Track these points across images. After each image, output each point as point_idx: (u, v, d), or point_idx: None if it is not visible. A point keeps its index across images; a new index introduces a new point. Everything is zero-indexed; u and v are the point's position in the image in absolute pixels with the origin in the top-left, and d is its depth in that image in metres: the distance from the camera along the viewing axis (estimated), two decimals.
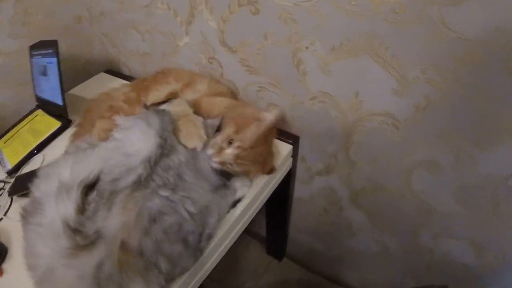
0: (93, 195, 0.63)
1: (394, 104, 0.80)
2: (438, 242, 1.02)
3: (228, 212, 0.78)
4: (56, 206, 0.59)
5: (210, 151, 0.76)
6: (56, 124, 1.12)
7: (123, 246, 0.56)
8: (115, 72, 1.41)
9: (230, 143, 0.77)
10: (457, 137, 0.77)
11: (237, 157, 0.76)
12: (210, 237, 0.70)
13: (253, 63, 0.93)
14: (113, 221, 0.59)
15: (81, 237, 0.56)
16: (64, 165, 0.67)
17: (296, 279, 1.53)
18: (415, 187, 0.92)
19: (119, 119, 0.81)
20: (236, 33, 0.91)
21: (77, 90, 1.30)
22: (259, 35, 0.87)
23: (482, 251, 0.97)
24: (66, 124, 1.12)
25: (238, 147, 0.76)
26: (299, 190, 1.19)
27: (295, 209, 1.27)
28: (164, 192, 0.65)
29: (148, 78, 0.99)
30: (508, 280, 0.99)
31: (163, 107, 0.88)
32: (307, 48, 0.82)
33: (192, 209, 0.65)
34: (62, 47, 1.10)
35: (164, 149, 0.70)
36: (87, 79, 1.36)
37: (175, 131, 0.75)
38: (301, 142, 1.01)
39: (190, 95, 0.90)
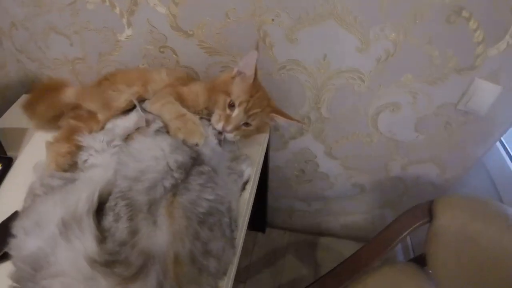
0: (108, 219, 0.54)
1: (359, 60, 0.86)
2: (406, 170, 1.15)
3: (240, 195, 0.76)
4: (70, 246, 0.50)
5: (219, 125, 0.74)
6: None
7: (177, 259, 0.52)
8: None
9: (230, 106, 0.75)
10: (412, 79, 0.88)
11: (247, 111, 0.74)
12: (236, 225, 0.69)
13: (214, 43, 0.89)
14: (162, 235, 0.53)
15: (122, 267, 0.49)
16: (48, 208, 0.57)
17: (284, 244, 1.57)
18: (382, 128, 1.02)
19: (86, 140, 0.72)
20: (191, 15, 0.85)
21: (3, 123, 1.08)
22: (218, 14, 0.83)
23: (443, 167, 1.11)
24: (7, 164, 0.92)
25: (240, 102, 0.74)
26: (275, 159, 1.20)
27: (271, 178, 1.29)
28: (209, 195, 0.60)
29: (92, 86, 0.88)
30: (470, 185, 1.16)
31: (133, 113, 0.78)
32: (273, 20, 0.81)
33: (225, 205, 0.63)
34: None
35: (197, 160, 0.65)
36: (9, 107, 1.12)
37: (173, 131, 0.70)
38: None
39: (155, 89, 0.82)
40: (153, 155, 0.62)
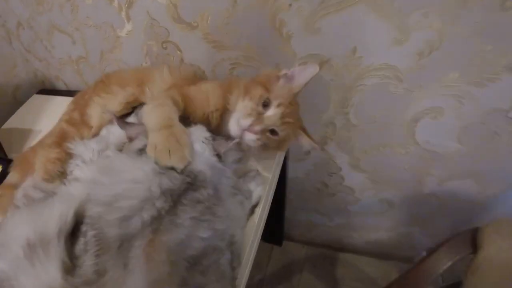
0: (79, 245, 0.43)
1: (396, 55, 0.69)
2: (442, 186, 0.97)
3: (247, 221, 0.60)
4: (33, 272, 0.40)
5: (246, 121, 0.59)
6: None
7: None
8: (49, 90, 1.13)
9: (265, 105, 0.60)
10: (459, 79, 0.71)
11: (283, 116, 0.60)
12: (240, 260, 0.53)
13: (221, 36, 0.74)
14: (134, 282, 0.40)
15: None
16: (15, 224, 0.46)
17: (301, 258, 1.41)
18: (420, 137, 0.84)
19: (77, 147, 0.61)
20: (193, 3, 0.71)
21: (10, 123, 1.03)
22: (225, 1, 0.67)
23: (484, 184, 0.93)
24: (7, 166, 0.85)
25: (279, 104, 0.60)
26: (294, 170, 1.04)
27: (289, 190, 1.12)
28: (204, 232, 0.46)
29: (88, 91, 0.75)
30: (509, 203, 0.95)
31: (130, 119, 0.65)
32: (290, 5, 0.65)
33: (226, 239, 0.49)
34: None
35: (192, 185, 0.50)
36: (19, 108, 1.08)
37: (148, 146, 0.53)
38: None
39: (155, 90, 0.68)
40: (132, 177, 0.48)
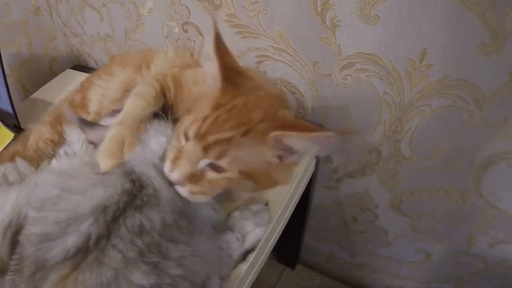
0: (17, 249, 0.33)
1: (481, 69, 0.43)
2: (494, 249, 0.70)
3: (234, 268, 0.39)
4: None
5: (165, 168, 0.34)
6: (9, 136, 0.77)
7: None
8: (83, 67, 1.01)
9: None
10: None
11: (201, 136, 0.33)
12: None
13: (248, 19, 0.51)
14: None
15: None
16: None
17: (314, 287, 1.13)
18: (485, 188, 0.57)
19: (71, 133, 0.48)
20: None
21: (39, 94, 0.94)
22: None
23: None
24: (20, 135, 0.77)
25: (192, 124, 0.34)
26: (319, 196, 0.78)
27: (312, 216, 0.87)
28: (142, 278, 0.28)
29: (97, 71, 0.62)
30: None
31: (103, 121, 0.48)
32: None
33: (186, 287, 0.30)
34: (23, 47, 0.86)
35: (135, 199, 0.32)
36: (51, 79, 0.99)
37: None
38: None
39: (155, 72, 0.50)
40: (68, 185, 0.34)
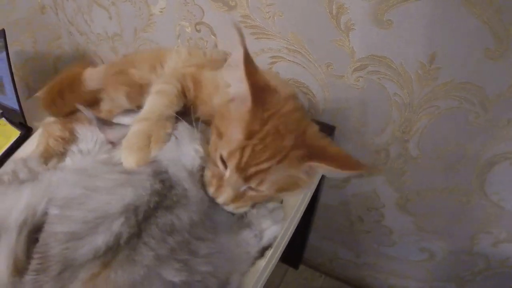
0: (39, 247, 0.33)
1: (486, 73, 0.46)
2: (497, 248, 0.73)
3: (253, 264, 0.40)
4: None
5: (209, 190, 0.39)
6: (15, 134, 0.79)
7: None
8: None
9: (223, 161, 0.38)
10: None
11: (242, 169, 0.37)
12: None
13: (262, 20, 0.54)
14: None
15: None
16: None
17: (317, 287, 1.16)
18: (489, 187, 0.60)
19: (82, 131, 0.49)
20: None
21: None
22: None
23: None
24: (25, 133, 0.78)
25: (230, 155, 0.37)
26: (327, 196, 0.81)
27: (318, 216, 0.89)
28: (174, 276, 0.30)
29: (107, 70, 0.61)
30: None
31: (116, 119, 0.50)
32: None
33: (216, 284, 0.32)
34: (27, 45, 0.87)
35: (165, 199, 0.34)
36: None
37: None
38: (336, 133, 0.62)
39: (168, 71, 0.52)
40: (95, 184, 0.35)
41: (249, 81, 0.35)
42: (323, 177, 0.69)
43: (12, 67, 0.75)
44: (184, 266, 0.30)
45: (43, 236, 0.33)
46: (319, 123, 0.57)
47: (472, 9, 0.41)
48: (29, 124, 0.75)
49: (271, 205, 0.44)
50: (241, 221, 0.40)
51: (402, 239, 0.82)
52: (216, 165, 0.38)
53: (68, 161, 0.47)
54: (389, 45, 0.47)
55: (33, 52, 0.94)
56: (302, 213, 0.54)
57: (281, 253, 0.48)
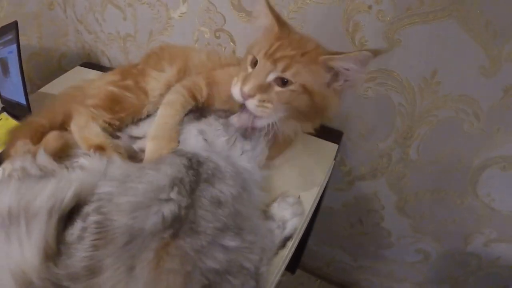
0: (74, 230, 0.35)
1: (480, 87, 0.56)
2: (488, 247, 0.82)
3: (276, 255, 0.47)
4: (6, 246, 0.32)
5: (235, 89, 0.46)
6: None
7: None
8: (93, 64, 1.07)
9: (254, 66, 0.46)
10: None
11: (270, 55, 0.45)
12: None
13: None
14: None
15: None
16: (4, 190, 0.37)
17: None
18: (481, 189, 0.70)
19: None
20: None
21: (48, 88, 0.98)
22: None
23: None
24: None
25: (260, 50, 0.46)
26: (329, 199, 0.89)
27: (319, 220, 0.97)
28: (230, 241, 0.36)
29: (141, 62, 0.67)
30: None
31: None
32: (370, 8, 0.54)
33: (255, 258, 0.38)
34: (33, 40, 0.89)
35: (199, 174, 0.40)
36: (61, 75, 1.03)
37: None
38: (344, 139, 0.71)
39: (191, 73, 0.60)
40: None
41: (272, 12, 0.47)
42: (329, 179, 0.78)
43: None
44: (235, 234, 0.36)
45: (102, 211, 0.35)
46: (328, 128, 0.66)
47: (469, 32, 0.51)
48: None
49: (290, 199, 0.51)
50: (264, 214, 0.47)
51: (399, 241, 0.91)
52: (245, 71, 0.47)
53: (82, 161, 0.49)
54: (397, 61, 0.57)
55: (38, 47, 0.98)
56: (313, 211, 0.62)
57: (294, 248, 0.55)
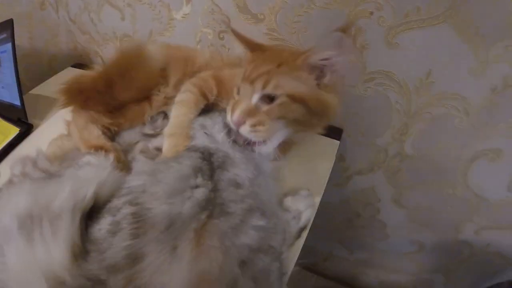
0: (102, 226, 0.37)
1: (470, 85, 0.62)
2: (479, 235, 0.89)
3: (291, 245, 0.51)
4: (29, 250, 0.33)
5: (228, 118, 0.48)
6: (13, 130, 0.81)
7: None
8: (85, 65, 1.07)
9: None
10: None
11: (247, 77, 0.46)
12: (284, 274, 0.44)
13: (287, 35, 0.67)
14: (180, 272, 0.33)
15: None
16: (12, 194, 0.41)
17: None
18: (471, 180, 0.76)
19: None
20: None
21: (39, 90, 0.98)
22: None
23: None
24: (26, 130, 0.81)
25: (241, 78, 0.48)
26: (328, 194, 0.92)
27: (317, 215, 1.01)
28: (258, 220, 0.40)
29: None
30: None
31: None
32: (371, 13, 0.58)
33: (280, 238, 0.42)
34: (24, 41, 0.90)
35: (212, 163, 0.44)
36: (52, 76, 1.03)
37: None
38: (343, 135, 0.76)
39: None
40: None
41: (240, 39, 0.51)
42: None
43: None
44: (261, 215, 0.40)
45: (137, 202, 0.38)
46: (328, 125, 0.71)
47: (461, 36, 0.56)
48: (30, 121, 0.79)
49: (303, 192, 0.56)
50: (280, 206, 0.51)
51: (395, 232, 0.97)
52: (233, 99, 0.49)
53: (88, 158, 0.50)
54: (395, 62, 0.62)
55: (29, 48, 0.98)
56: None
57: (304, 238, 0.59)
